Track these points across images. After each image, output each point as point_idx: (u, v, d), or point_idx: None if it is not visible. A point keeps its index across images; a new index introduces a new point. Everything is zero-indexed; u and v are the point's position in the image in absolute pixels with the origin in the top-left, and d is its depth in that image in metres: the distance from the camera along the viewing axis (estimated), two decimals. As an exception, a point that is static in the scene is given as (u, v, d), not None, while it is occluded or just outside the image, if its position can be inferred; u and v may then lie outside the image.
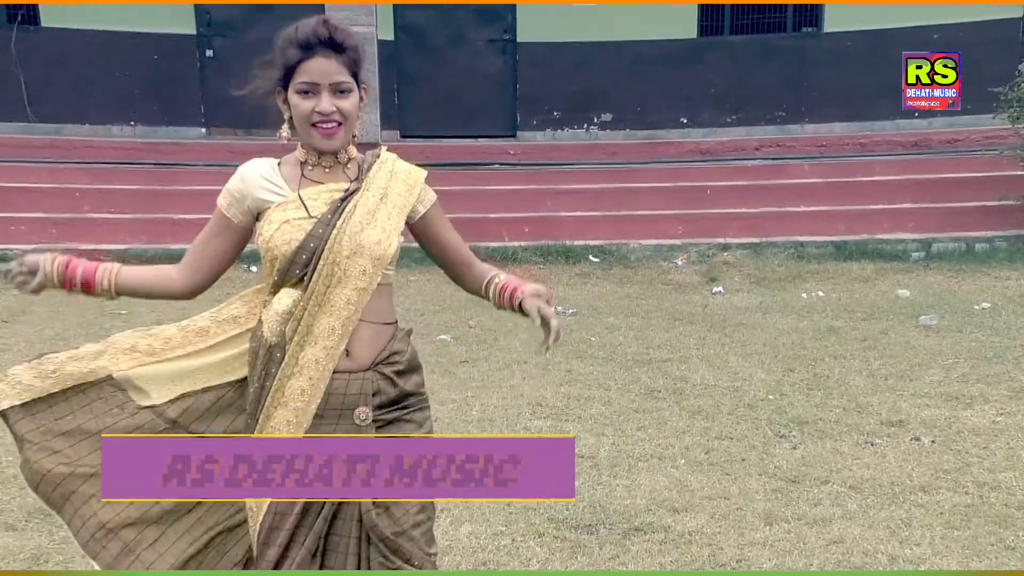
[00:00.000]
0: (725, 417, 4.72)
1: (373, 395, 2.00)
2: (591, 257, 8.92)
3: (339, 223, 1.95)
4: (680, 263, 8.84)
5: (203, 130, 11.10)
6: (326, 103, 1.92)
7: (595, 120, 11.63)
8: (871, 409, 4.80)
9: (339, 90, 1.93)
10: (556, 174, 10.23)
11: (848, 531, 3.43)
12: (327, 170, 2.03)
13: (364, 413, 1.98)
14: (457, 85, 11.31)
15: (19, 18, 10.78)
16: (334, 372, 1.98)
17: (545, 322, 2.03)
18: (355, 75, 1.97)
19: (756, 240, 9.17)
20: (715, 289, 8.08)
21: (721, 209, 9.65)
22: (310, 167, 2.02)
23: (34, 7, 10.86)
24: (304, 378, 1.96)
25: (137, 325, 6.82)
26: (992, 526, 3.47)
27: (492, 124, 11.37)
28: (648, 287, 8.19)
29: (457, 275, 2.23)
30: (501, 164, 10.42)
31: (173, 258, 8.85)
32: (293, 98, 1.95)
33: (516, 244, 8.99)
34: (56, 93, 10.88)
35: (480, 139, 10.91)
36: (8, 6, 10.75)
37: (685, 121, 11.57)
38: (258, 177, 2.02)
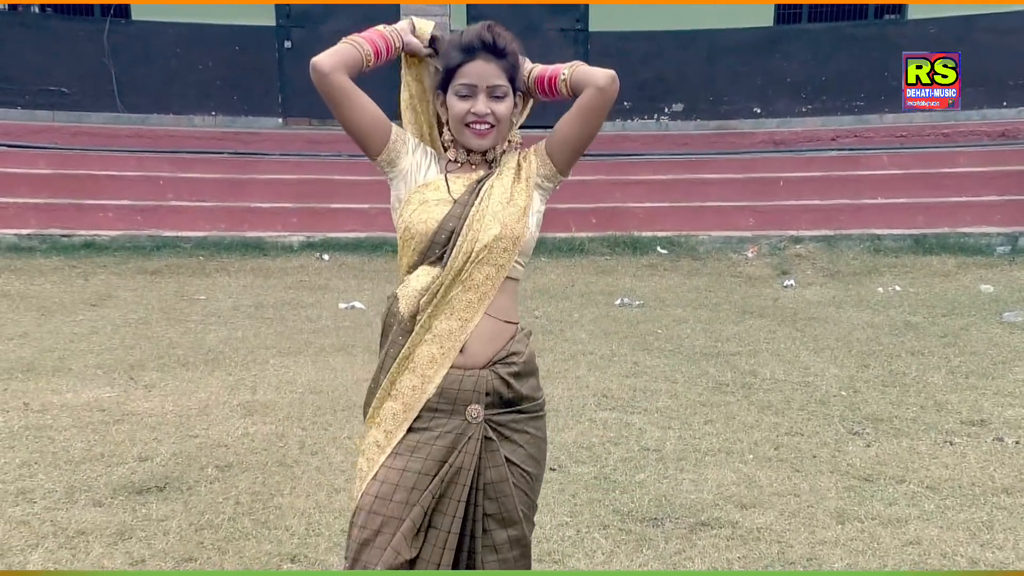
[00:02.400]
0: (796, 413, 4.63)
1: (486, 394, 2.02)
2: (659, 249, 8.84)
3: (477, 202, 2.01)
4: (750, 255, 8.69)
5: (280, 120, 11.35)
6: (481, 105, 1.99)
7: (666, 110, 11.48)
8: (950, 407, 4.65)
9: (495, 94, 2.00)
10: (625, 165, 10.15)
11: (925, 532, 3.34)
12: (473, 167, 2.10)
13: (476, 411, 2.00)
14: (527, 75, 11.28)
15: (112, 11, 11.20)
16: (450, 368, 2.02)
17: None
18: (512, 81, 2.04)
19: (830, 232, 8.96)
20: (786, 282, 7.92)
21: (794, 201, 9.44)
22: (458, 164, 2.10)
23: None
24: (436, 346, 2.01)
25: (215, 310, 7.09)
26: (1079, 532, 3.32)
27: (559, 113, 11.32)
28: (717, 279, 8.08)
29: (571, 119, 2.13)
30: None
31: (249, 246, 9.00)
32: (451, 99, 2.02)
33: (583, 235, 8.97)
34: (143, 84, 11.26)
35: (547, 128, 10.88)
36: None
37: (758, 111, 11.34)
38: (426, 156, 2.09)
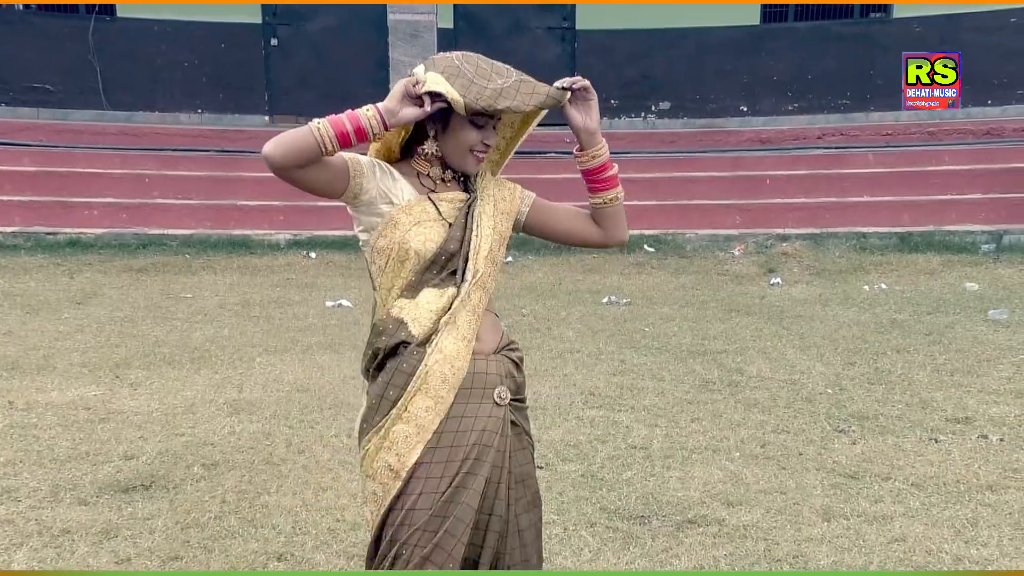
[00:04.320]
0: (782, 410, 4.65)
1: (507, 376, 2.10)
2: (646, 247, 8.86)
3: (475, 228, 2.08)
4: (737, 253, 8.72)
5: (266, 118, 11.30)
6: (492, 138, 2.10)
7: (653, 108, 11.52)
8: (935, 405, 4.68)
9: (493, 126, 2.12)
10: (613, 163, 10.16)
11: (910, 529, 3.36)
12: (447, 184, 2.13)
13: (504, 392, 2.08)
14: (514, 73, 11.30)
15: (96, 8, 11.12)
16: (473, 354, 2.08)
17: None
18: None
19: (816, 231, 9.01)
20: (773, 280, 7.96)
21: (780, 199, 9.48)
22: (432, 181, 2.11)
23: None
24: (447, 366, 2.04)
25: (202, 308, 7.07)
26: (1062, 528, 3.35)
27: (547, 112, 11.35)
28: (704, 277, 8.10)
29: (588, 234, 2.25)
30: (556, 152, 10.39)
31: (235, 244, 8.94)
32: (463, 127, 2.03)
33: (572, 233, 8.98)
34: (128, 81, 11.21)
35: (535, 127, 10.91)
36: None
37: (745, 109, 11.39)
38: (393, 177, 2.08)
